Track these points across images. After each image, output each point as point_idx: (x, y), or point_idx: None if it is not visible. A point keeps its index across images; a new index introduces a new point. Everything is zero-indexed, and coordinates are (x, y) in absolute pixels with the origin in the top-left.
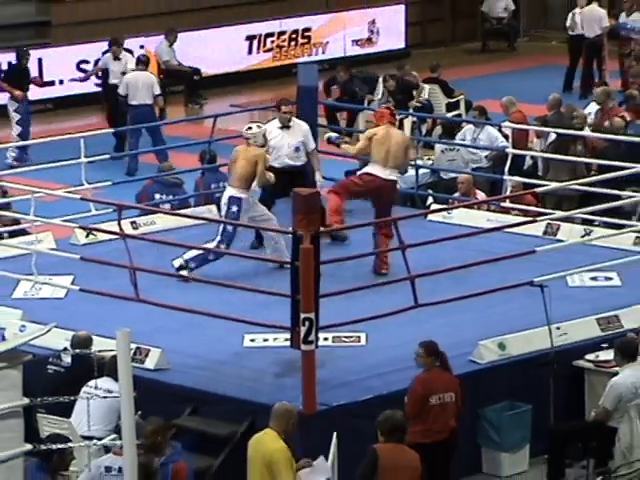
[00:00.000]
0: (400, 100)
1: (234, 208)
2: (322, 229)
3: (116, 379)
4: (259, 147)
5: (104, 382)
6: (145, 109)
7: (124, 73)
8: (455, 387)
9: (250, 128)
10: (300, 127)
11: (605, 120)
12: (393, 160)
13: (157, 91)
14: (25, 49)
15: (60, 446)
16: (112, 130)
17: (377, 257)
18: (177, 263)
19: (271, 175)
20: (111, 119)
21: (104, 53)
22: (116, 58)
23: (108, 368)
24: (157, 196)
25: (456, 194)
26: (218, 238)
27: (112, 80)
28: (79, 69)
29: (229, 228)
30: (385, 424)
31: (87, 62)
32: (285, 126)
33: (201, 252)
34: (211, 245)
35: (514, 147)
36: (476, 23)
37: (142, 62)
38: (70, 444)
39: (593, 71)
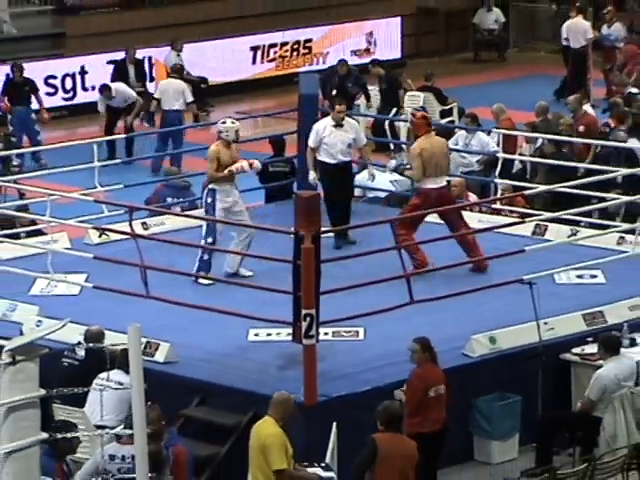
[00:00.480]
0: (386, 91)
1: (209, 199)
2: (323, 229)
3: (127, 371)
4: (230, 142)
5: (115, 374)
6: (173, 114)
7: (126, 101)
8: (445, 380)
9: (224, 122)
10: (351, 125)
11: (579, 125)
12: (441, 169)
13: (189, 98)
14: (19, 63)
15: (74, 434)
16: (125, 136)
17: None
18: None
19: (225, 172)
20: (107, 128)
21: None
22: (109, 98)
23: (119, 361)
24: (169, 199)
25: None
26: (203, 234)
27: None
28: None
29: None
30: (384, 414)
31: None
32: (338, 124)
33: (198, 257)
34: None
35: (503, 152)
36: (468, 34)
37: (175, 70)
38: (81, 432)
39: (581, 80)
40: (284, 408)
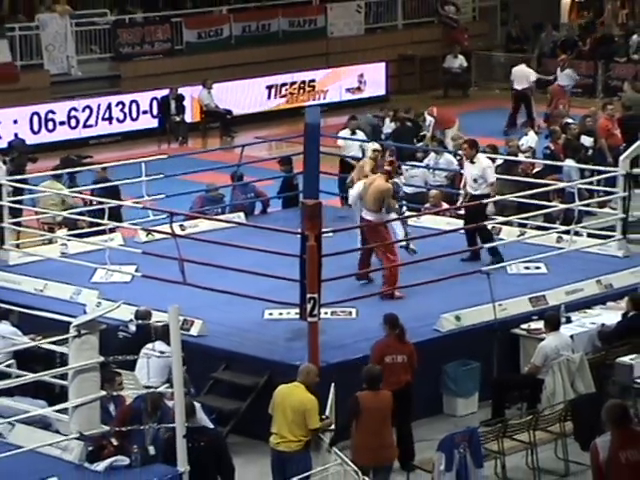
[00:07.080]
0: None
1: None
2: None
3: (168, 343)
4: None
5: (159, 345)
6: None
7: None
8: (406, 351)
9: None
10: (482, 163)
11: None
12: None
13: None
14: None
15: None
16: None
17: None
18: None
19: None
20: None
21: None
22: None
23: (160, 334)
24: (206, 207)
25: (427, 204)
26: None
27: None
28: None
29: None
30: (366, 375)
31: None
32: (471, 161)
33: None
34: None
35: None
36: (438, 76)
37: None
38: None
39: (523, 114)
40: (306, 376)
